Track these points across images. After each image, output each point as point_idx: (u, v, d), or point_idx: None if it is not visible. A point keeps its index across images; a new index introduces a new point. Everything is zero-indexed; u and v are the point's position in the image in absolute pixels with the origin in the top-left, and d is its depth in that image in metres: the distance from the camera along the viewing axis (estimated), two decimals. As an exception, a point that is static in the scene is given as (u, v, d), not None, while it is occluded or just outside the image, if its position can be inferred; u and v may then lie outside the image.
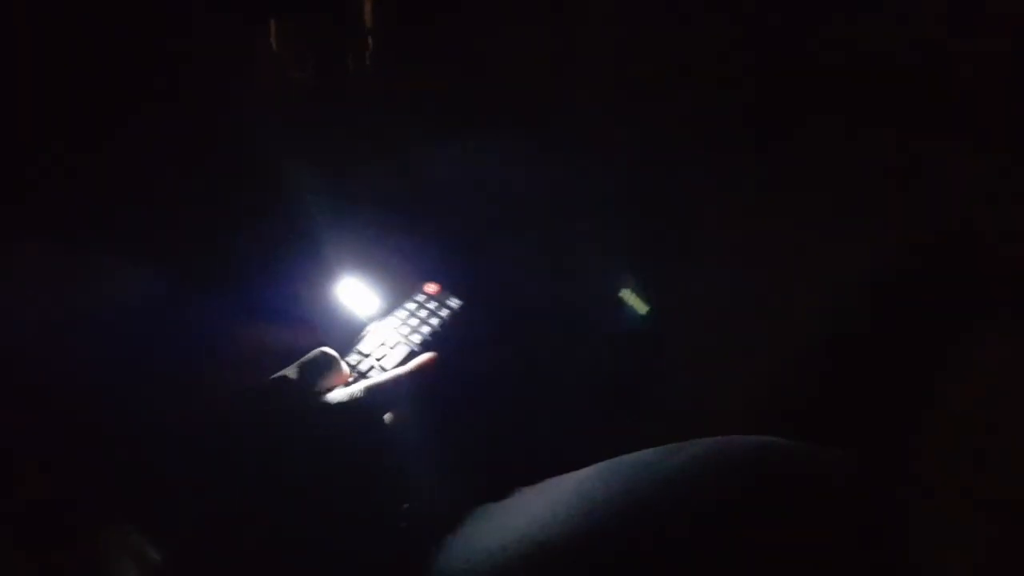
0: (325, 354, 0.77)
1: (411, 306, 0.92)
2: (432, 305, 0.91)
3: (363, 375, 0.82)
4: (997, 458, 1.17)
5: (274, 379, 0.74)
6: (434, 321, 0.89)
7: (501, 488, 0.95)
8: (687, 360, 1.32)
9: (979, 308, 1.30)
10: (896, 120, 1.43)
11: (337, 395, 0.75)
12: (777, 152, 1.43)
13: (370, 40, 1.14)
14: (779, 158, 1.42)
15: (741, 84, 1.42)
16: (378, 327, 0.90)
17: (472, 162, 1.25)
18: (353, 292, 0.92)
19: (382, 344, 0.86)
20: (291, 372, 0.74)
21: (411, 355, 0.86)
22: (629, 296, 1.31)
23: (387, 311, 0.92)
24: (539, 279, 1.24)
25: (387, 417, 0.77)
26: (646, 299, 1.30)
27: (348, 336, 0.89)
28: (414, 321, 0.89)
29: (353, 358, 0.84)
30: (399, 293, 0.97)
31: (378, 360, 0.84)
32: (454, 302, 0.93)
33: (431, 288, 0.95)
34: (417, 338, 0.88)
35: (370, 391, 0.75)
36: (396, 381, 0.79)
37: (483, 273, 1.13)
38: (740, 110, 1.43)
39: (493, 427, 1.05)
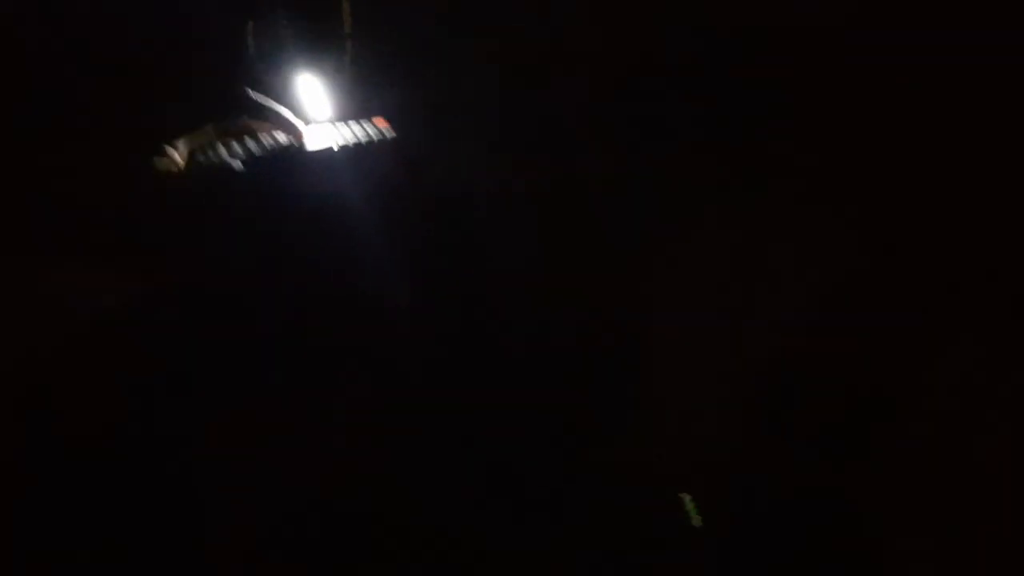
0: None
1: (353, 122, 1.08)
2: (373, 129, 1.07)
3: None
4: (968, 456, 1.20)
5: None
6: (372, 136, 1.04)
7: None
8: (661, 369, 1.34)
9: (953, 310, 1.30)
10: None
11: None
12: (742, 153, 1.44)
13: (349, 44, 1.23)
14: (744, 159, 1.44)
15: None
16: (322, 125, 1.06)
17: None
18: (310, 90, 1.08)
19: (322, 135, 1.01)
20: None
21: (344, 148, 1.02)
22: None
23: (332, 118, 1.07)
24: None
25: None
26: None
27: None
28: (353, 131, 1.04)
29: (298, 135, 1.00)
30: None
31: (314, 142, 1.00)
32: (389, 134, 1.08)
33: (379, 120, 1.11)
34: (352, 140, 1.03)
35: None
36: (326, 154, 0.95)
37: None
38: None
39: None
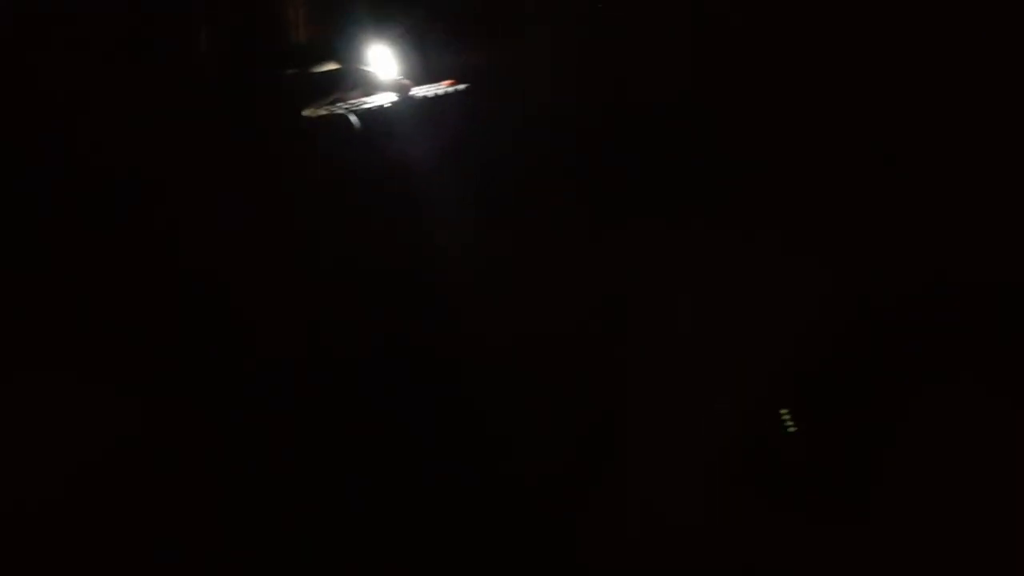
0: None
1: (427, 85, 1.22)
2: (442, 87, 1.21)
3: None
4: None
5: None
6: (439, 92, 1.18)
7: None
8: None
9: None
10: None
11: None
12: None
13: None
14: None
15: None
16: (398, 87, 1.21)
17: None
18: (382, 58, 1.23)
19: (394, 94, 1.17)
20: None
21: (411, 99, 1.16)
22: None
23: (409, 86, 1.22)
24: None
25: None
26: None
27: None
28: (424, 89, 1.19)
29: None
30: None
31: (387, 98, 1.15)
32: (461, 86, 1.21)
33: (447, 81, 1.25)
34: (420, 95, 1.18)
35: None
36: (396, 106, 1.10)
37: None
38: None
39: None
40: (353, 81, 1.25)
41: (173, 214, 1.19)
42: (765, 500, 1.23)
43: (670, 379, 1.31)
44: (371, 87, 1.30)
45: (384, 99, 1.27)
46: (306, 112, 1.21)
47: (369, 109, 1.22)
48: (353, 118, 1.18)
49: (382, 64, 1.33)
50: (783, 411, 1.30)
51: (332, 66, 1.28)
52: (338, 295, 1.22)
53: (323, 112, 1.21)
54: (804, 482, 1.26)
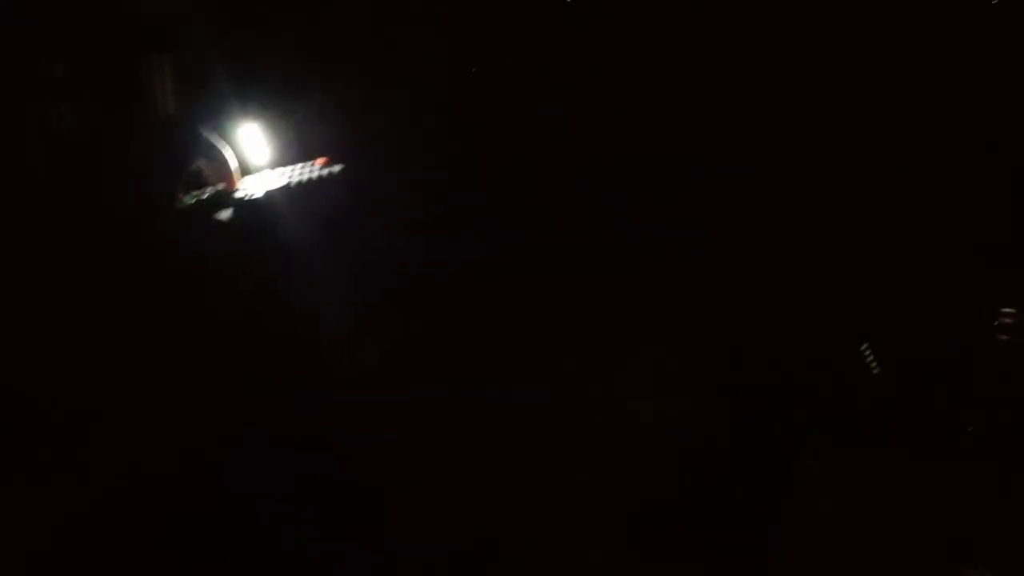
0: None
1: (299, 165, 1.18)
2: (315, 169, 1.17)
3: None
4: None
5: None
6: (313, 175, 1.15)
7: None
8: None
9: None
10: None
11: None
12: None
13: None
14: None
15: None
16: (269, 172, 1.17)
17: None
18: (251, 138, 1.18)
19: (267, 179, 1.12)
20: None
21: (286, 188, 1.12)
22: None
23: (275, 164, 1.18)
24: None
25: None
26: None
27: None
28: (297, 173, 1.15)
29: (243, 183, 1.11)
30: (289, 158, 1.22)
31: (259, 185, 1.10)
32: (336, 168, 1.18)
33: (320, 160, 1.22)
34: (295, 180, 1.14)
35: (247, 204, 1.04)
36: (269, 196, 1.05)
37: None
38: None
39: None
40: (222, 167, 1.17)
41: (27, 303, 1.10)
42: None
43: (560, 449, 1.30)
44: (241, 172, 1.23)
45: (256, 186, 1.19)
46: (173, 203, 1.12)
47: (241, 199, 1.15)
48: (226, 212, 1.11)
49: (253, 147, 1.26)
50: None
51: (201, 151, 1.20)
52: (208, 391, 1.15)
53: (191, 202, 1.13)
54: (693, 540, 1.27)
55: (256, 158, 1.27)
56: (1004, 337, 1.38)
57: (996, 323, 1.39)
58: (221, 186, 1.17)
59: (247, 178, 1.22)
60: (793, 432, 1.37)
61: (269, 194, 1.19)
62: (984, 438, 1.33)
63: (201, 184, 1.16)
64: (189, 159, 1.18)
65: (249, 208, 1.15)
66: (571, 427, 1.32)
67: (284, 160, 1.31)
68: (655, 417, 1.32)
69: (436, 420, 1.30)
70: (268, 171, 1.25)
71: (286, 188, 1.21)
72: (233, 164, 1.18)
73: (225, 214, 1.12)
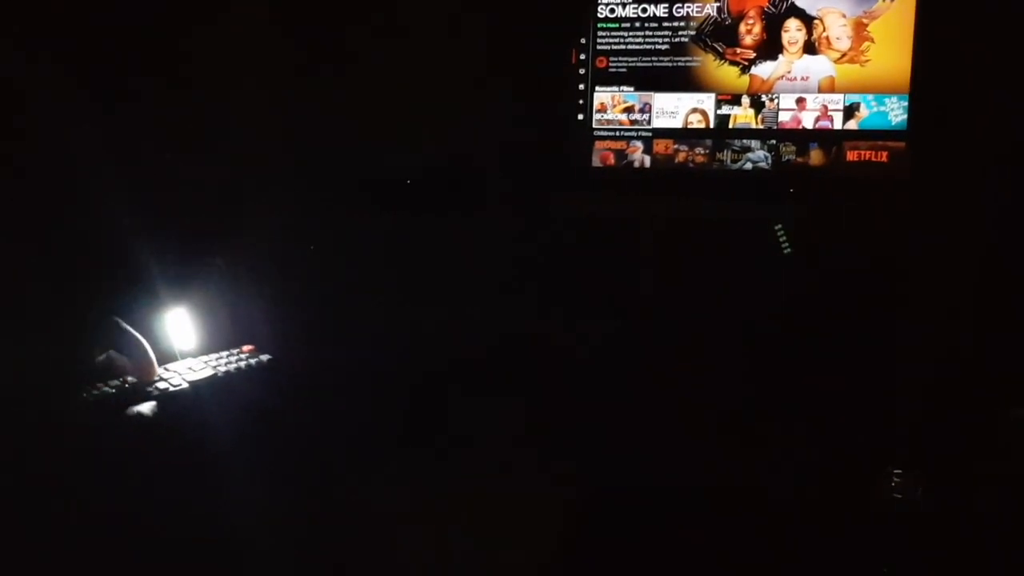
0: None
1: (224, 353, 1.27)
2: (243, 357, 1.12)
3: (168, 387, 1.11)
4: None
5: None
6: (241, 364, 1.10)
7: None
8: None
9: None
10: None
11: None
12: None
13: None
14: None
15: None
16: (191, 360, 1.22)
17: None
18: (179, 326, 1.13)
19: (189, 368, 1.05)
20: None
21: (213, 377, 1.06)
22: (780, 232, 1.59)
23: (202, 351, 1.13)
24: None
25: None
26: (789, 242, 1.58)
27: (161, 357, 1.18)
28: (223, 361, 1.09)
29: (162, 373, 1.04)
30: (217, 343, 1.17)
31: (181, 376, 1.04)
32: (264, 357, 1.14)
33: (247, 348, 1.17)
34: (221, 370, 1.08)
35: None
36: (195, 387, 1.00)
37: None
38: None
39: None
40: (139, 357, 1.08)
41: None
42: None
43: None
44: (161, 362, 1.15)
45: (175, 377, 1.11)
46: (85, 395, 1.03)
47: (161, 392, 1.06)
48: (146, 406, 1.02)
49: (175, 334, 1.20)
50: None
51: (117, 340, 1.13)
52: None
53: (105, 394, 1.03)
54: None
55: (181, 344, 1.20)
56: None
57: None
58: (136, 377, 1.07)
59: (170, 366, 1.14)
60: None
61: (195, 384, 1.11)
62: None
63: (116, 375, 1.07)
64: (96, 349, 1.11)
65: (171, 400, 1.07)
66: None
67: (210, 347, 1.25)
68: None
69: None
70: (193, 359, 1.17)
71: (212, 378, 1.14)
72: (151, 354, 1.09)
73: (146, 407, 1.04)
